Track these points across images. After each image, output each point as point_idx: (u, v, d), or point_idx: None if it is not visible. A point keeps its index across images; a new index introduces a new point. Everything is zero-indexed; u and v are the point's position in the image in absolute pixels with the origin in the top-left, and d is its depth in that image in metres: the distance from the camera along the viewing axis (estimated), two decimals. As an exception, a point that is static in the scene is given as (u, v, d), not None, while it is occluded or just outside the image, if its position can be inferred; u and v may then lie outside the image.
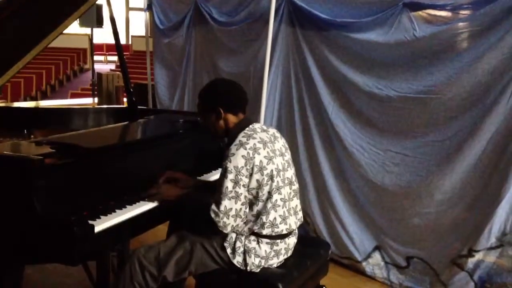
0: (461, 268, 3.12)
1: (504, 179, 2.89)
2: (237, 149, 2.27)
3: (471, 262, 3.07)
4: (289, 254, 2.46)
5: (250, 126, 2.41)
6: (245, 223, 2.34)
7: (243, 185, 2.24)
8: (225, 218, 2.23)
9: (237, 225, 2.29)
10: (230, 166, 2.24)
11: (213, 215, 2.25)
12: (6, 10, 2.77)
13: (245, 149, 2.26)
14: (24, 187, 2.02)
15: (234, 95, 2.48)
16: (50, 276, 3.38)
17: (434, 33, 3.11)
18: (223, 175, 2.26)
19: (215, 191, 2.29)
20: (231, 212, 2.24)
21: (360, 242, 3.67)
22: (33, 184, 2.01)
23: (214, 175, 2.94)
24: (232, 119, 2.43)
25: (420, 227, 3.31)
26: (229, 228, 2.27)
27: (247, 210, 2.31)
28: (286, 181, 2.40)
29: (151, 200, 2.46)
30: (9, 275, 2.17)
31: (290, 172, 2.46)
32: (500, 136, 2.93)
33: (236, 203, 2.24)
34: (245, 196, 2.27)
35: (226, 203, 2.23)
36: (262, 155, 2.28)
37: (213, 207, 2.25)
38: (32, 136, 3.05)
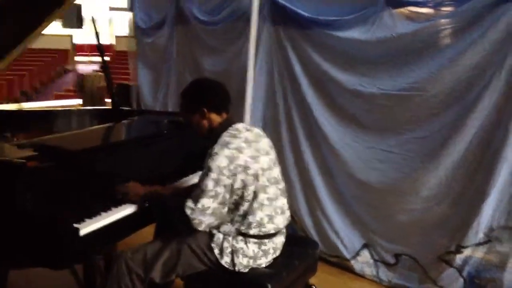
0: (449, 265, 3.15)
1: (489, 174, 2.91)
2: (220, 149, 2.26)
3: (459, 258, 3.10)
4: (277, 254, 2.46)
5: (234, 125, 2.41)
6: (232, 224, 2.33)
7: (224, 185, 2.24)
8: (200, 215, 2.24)
9: (211, 223, 2.29)
10: (213, 165, 2.23)
11: (188, 212, 2.25)
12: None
13: (229, 149, 2.26)
14: (6, 191, 1.99)
15: (218, 94, 2.47)
16: (36, 279, 3.34)
17: (416, 30, 3.12)
18: (205, 174, 2.25)
19: (195, 188, 2.29)
20: (208, 210, 2.24)
21: (348, 240, 3.68)
22: (15, 188, 1.98)
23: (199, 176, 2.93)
24: (216, 118, 2.43)
25: (407, 224, 3.33)
26: (203, 226, 2.28)
27: (224, 210, 2.30)
28: (272, 180, 2.40)
29: (120, 198, 2.40)
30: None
31: (276, 171, 2.46)
32: (484, 132, 2.95)
33: (214, 202, 2.24)
34: (224, 196, 2.26)
35: (204, 202, 2.23)
36: (247, 154, 2.28)
37: (190, 203, 2.25)
38: (15, 139, 3.00)
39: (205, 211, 2.24)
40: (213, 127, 2.42)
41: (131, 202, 2.41)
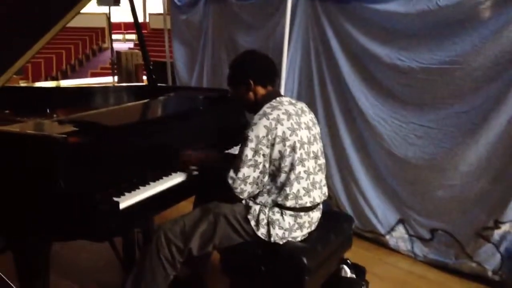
0: (486, 240, 3.11)
1: (530, 150, 2.84)
2: (259, 119, 2.29)
3: (497, 234, 3.06)
4: (312, 228, 2.47)
5: (278, 98, 2.42)
6: (269, 195, 2.35)
7: (263, 154, 2.26)
8: (242, 184, 2.28)
9: (253, 191, 2.32)
10: (252, 134, 2.26)
11: (230, 181, 2.29)
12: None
13: (268, 119, 2.27)
14: (48, 165, 2.03)
15: (264, 67, 2.49)
16: (77, 252, 3.45)
17: (458, 2, 3.03)
18: (244, 144, 2.28)
19: (235, 158, 2.32)
20: (248, 179, 2.27)
21: (383, 215, 3.66)
22: (57, 163, 2.02)
23: (236, 151, 2.94)
24: (261, 91, 2.45)
25: (445, 200, 3.29)
26: (245, 195, 2.31)
27: (265, 179, 2.32)
28: (311, 155, 2.39)
29: (176, 169, 2.50)
30: (37, 252, 2.20)
31: (317, 147, 2.45)
32: (526, 106, 2.87)
33: (254, 171, 2.27)
34: (264, 165, 2.29)
35: (245, 171, 2.26)
36: (285, 126, 2.29)
37: (231, 173, 2.29)
38: (54, 116, 3.06)
39: (246, 180, 2.27)
40: (258, 99, 2.45)
41: (184, 169, 2.52)
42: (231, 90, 2.58)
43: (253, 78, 2.43)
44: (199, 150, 2.66)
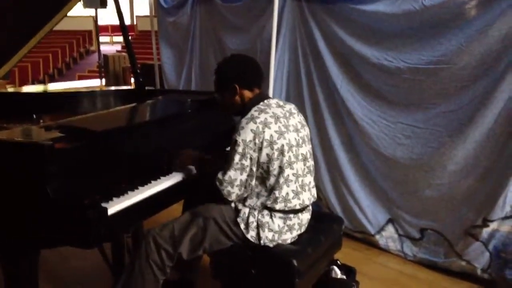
0: (475, 239, 3.12)
1: (517, 147, 2.86)
2: (247, 123, 2.28)
3: (485, 232, 3.07)
4: (302, 230, 2.47)
5: (265, 101, 2.41)
6: (258, 198, 2.35)
7: (250, 158, 2.27)
8: (229, 187, 2.30)
9: (242, 194, 2.34)
10: (239, 139, 2.27)
11: (217, 183, 2.32)
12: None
13: (255, 123, 2.27)
14: (35, 172, 2.02)
15: (249, 70, 2.48)
16: (66, 258, 3.43)
17: (443, 1, 3.04)
18: (232, 148, 2.29)
19: (225, 161, 2.35)
20: (235, 182, 2.29)
21: (372, 215, 3.67)
22: (44, 169, 2.00)
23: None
24: (248, 94, 2.44)
25: (433, 199, 3.30)
26: (233, 197, 2.33)
27: (253, 182, 2.32)
28: (300, 157, 2.39)
29: (175, 169, 2.58)
30: (25, 259, 2.18)
31: (305, 149, 2.45)
32: (512, 104, 2.88)
33: (241, 174, 2.29)
34: (251, 169, 2.29)
35: (231, 174, 2.29)
36: (273, 129, 2.28)
37: (219, 175, 2.33)
38: (41, 121, 3.04)
39: (233, 183, 2.29)
40: (245, 103, 2.44)
41: (182, 168, 2.60)
42: (218, 96, 2.56)
43: (238, 82, 2.41)
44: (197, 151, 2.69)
